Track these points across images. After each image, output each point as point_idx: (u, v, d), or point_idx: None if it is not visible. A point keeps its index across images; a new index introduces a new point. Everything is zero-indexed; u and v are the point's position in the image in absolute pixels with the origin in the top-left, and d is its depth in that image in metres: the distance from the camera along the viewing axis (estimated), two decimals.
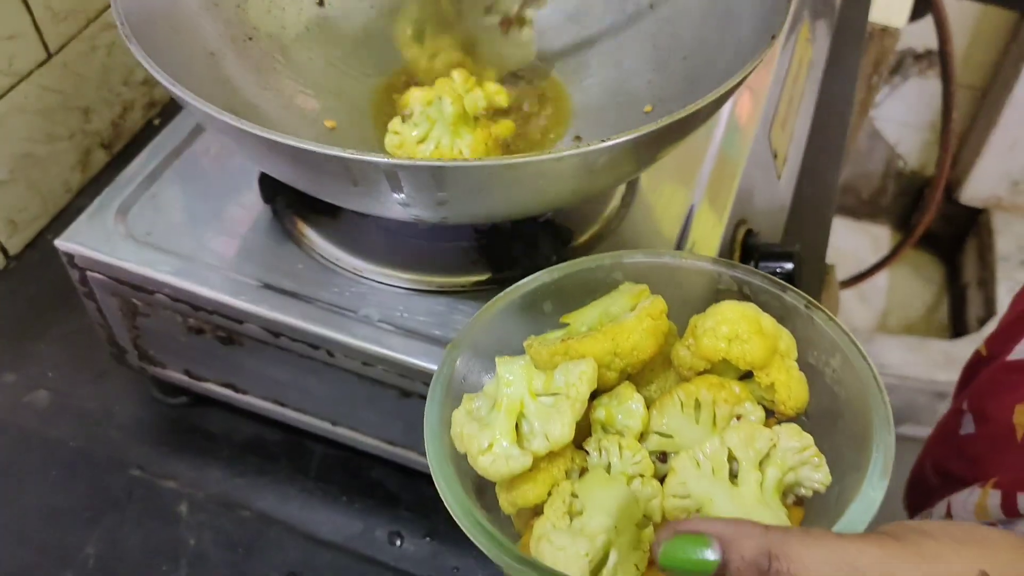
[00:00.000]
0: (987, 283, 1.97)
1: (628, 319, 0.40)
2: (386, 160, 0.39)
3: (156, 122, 0.89)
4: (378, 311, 0.53)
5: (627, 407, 0.40)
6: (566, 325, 0.43)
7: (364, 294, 0.54)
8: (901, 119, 2.00)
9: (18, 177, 0.75)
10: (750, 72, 0.44)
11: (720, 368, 0.41)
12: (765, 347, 0.39)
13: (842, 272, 1.86)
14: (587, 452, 0.39)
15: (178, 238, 0.56)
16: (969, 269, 2.06)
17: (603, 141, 0.40)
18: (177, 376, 0.62)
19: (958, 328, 2.03)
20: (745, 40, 0.52)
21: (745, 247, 0.59)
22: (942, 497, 0.66)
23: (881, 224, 2.23)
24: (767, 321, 0.41)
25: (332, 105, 0.59)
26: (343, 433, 0.60)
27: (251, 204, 0.59)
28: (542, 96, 0.62)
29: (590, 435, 0.40)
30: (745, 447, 0.37)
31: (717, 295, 0.44)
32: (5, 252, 0.76)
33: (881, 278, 2.03)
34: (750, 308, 0.40)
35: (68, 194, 0.81)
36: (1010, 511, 0.57)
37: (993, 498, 0.58)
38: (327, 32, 0.62)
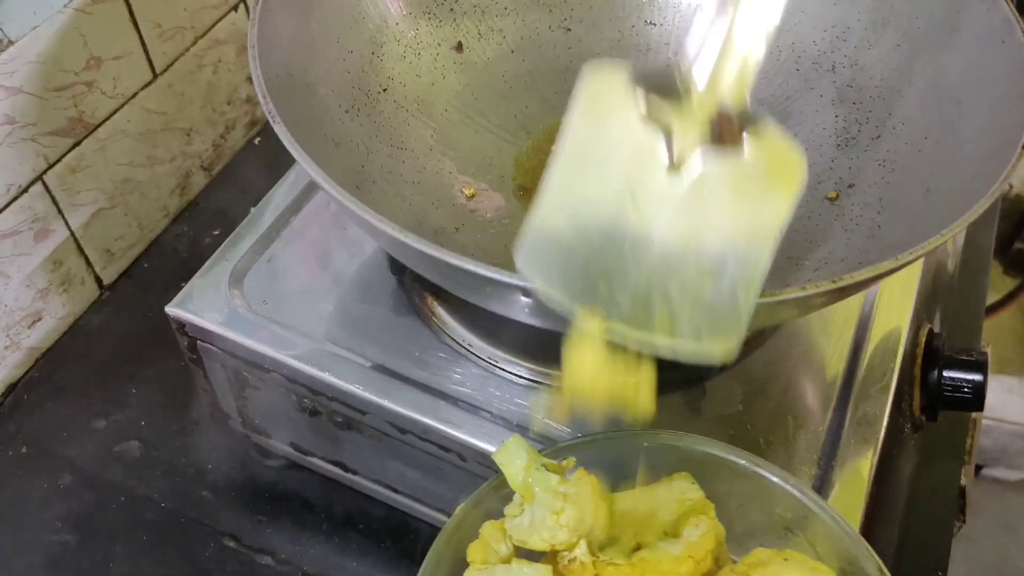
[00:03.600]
0: None
1: (667, 552, 0.34)
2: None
3: (257, 141, 0.85)
4: (515, 412, 0.48)
5: None
6: None
7: (499, 389, 0.49)
8: None
9: (117, 204, 0.71)
10: (985, 207, 0.37)
11: None
12: None
13: None
14: None
15: (297, 310, 0.51)
16: None
17: (803, 289, 0.33)
18: (282, 447, 0.57)
19: None
20: (971, 126, 0.45)
21: (928, 352, 0.52)
22: None
23: None
24: None
25: (470, 166, 0.54)
26: None
27: (374, 270, 0.53)
28: None
29: None
30: None
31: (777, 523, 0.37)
32: (100, 282, 0.72)
33: None
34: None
35: (166, 219, 0.77)
36: None
37: None
38: (466, 81, 0.56)
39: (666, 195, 0.34)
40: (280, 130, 0.38)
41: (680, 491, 0.37)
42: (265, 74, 0.41)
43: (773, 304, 0.33)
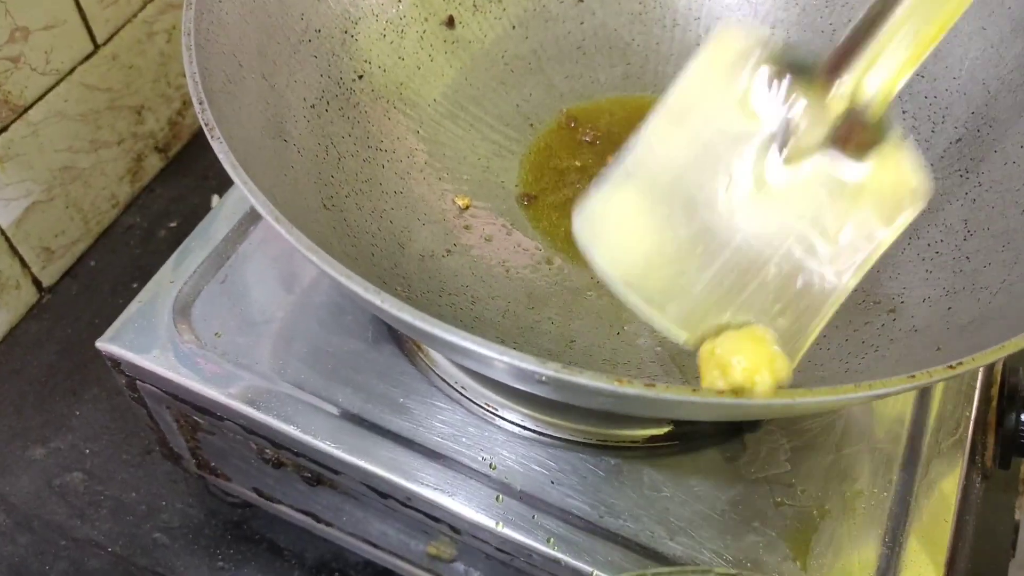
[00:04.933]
0: None
1: None
2: (611, 387, 0.24)
3: None
4: (520, 475, 0.39)
5: None
6: None
7: (500, 445, 0.40)
8: None
9: (56, 195, 0.62)
10: None
11: None
12: None
13: None
14: None
15: (255, 345, 0.43)
16: None
17: (911, 379, 0.25)
18: (244, 492, 0.49)
19: None
20: None
21: (1004, 391, 0.44)
22: None
23: None
24: None
25: (464, 170, 0.45)
26: None
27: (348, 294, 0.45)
28: None
29: None
30: None
31: None
32: (38, 285, 0.63)
33: None
34: None
35: (115, 209, 0.68)
36: None
37: None
38: (458, 64, 0.47)
39: (765, 190, 0.30)
40: (220, 148, 0.29)
41: None
42: (204, 69, 0.32)
43: (871, 396, 0.25)
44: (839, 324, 0.38)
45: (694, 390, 0.24)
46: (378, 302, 0.26)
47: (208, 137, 0.30)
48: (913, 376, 0.25)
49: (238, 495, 0.50)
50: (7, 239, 0.59)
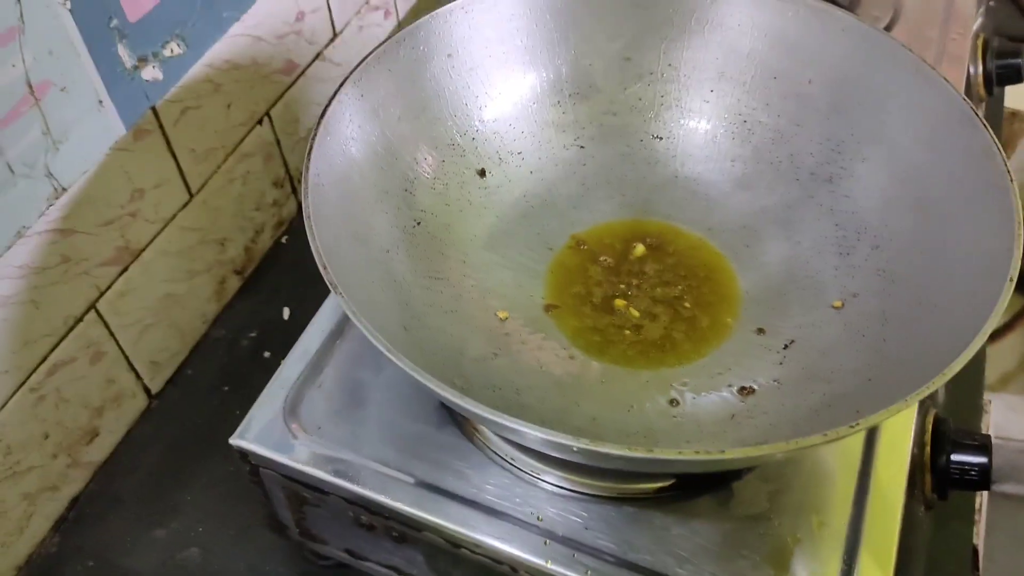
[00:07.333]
0: None
1: None
2: (623, 453, 0.37)
3: (284, 240, 0.89)
4: (561, 524, 0.51)
5: None
6: None
7: (543, 501, 0.52)
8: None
9: (161, 318, 0.75)
10: (989, 330, 0.41)
11: None
12: None
13: None
14: None
15: (350, 432, 0.55)
16: None
17: (824, 436, 0.37)
18: (338, 554, 0.61)
19: None
20: (959, 243, 0.49)
21: (936, 436, 0.56)
22: None
23: None
24: None
25: (501, 289, 0.58)
26: None
27: (417, 389, 0.57)
28: (704, 273, 0.59)
29: None
30: None
31: None
32: (148, 392, 0.76)
33: None
34: None
35: (204, 325, 0.81)
36: None
37: None
38: (490, 204, 0.61)
39: None
40: (344, 301, 0.42)
41: None
42: (323, 238, 0.45)
43: (794, 450, 0.37)
44: (792, 394, 0.50)
45: (679, 451, 0.36)
46: (457, 400, 0.38)
47: (333, 293, 0.43)
48: (826, 435, 0.37)
49: (332, 556, 0.62)
50: (127, 359, 0.72)
